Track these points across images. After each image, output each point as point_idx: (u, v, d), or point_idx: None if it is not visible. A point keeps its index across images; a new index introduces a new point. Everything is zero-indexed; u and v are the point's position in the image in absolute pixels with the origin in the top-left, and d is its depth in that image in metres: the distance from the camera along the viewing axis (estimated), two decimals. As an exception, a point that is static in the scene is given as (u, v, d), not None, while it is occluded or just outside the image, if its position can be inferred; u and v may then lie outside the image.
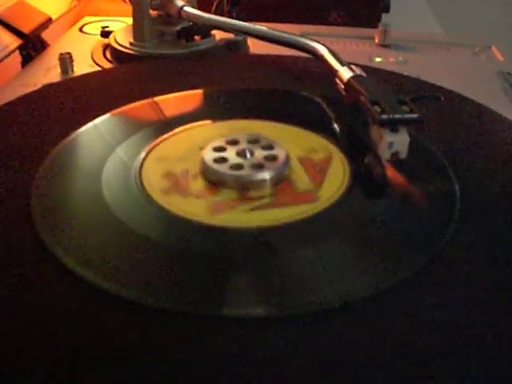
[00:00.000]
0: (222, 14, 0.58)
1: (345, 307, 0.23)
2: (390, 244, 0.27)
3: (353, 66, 0.37)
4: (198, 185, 0.31)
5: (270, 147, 0.32)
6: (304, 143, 0.34)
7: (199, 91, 0.42)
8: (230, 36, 0.54)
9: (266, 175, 0.30)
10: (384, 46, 0.58)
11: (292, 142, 0.34)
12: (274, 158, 0.31)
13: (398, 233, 0.28)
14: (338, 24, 0.67)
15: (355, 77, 0.35)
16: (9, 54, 0.50)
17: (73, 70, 0.49)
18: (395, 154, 0.31)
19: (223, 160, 0.31)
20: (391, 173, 0.31)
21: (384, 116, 0.30)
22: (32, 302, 0.24)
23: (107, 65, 0.51)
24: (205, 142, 0.33)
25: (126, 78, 0.45)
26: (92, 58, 0.52)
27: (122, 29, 0.55)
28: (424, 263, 0.26)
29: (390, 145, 0.30)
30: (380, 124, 0.30)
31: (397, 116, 0.30)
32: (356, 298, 0.24)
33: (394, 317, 0.23)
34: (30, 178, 0.31)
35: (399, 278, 0.25)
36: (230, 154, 0.32)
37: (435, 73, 0.50)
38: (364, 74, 0.36)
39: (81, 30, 0.60)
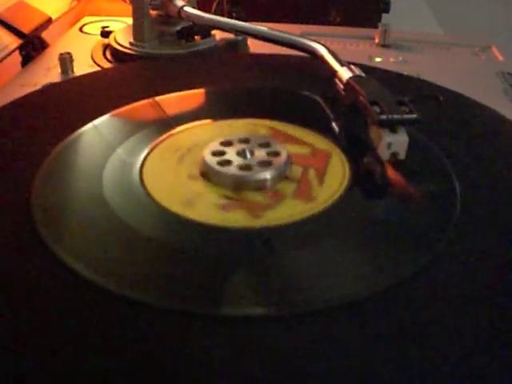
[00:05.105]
0: (222, 14, 0.59)
1: (345, 307, 0.23)
2: (390, 244, 0.27)
3: (352, 67, 0.37)
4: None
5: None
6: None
7: (199, 91, 0.42)
8: (230, 36, 0.54)
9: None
10: (384, 45, 0.58)
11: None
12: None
13: (398, 233, 0.28)
14: (338, 24, 0.67)
15: (354, 77, 0.35)
16: (9, 54, 0.50)
17: (73, 70, 0.49)
18: (394, 155, 0.31)
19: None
20: (391, 173, 0.31)
21: (383, 116, 0.30)
22: (32, 301, 0.24)
23: (107, 65, 0.51)
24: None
25: (126, 78, 0.45)
26: (92, 58, 0.52)
27: (121, 29, 0.55)
28: (424, 263, 0.26)
29: (389, 145, 0.30)
30: (379, 124, 0.30)
31: (396, 116, 0.30)
32: (356, 298, 0.24)
33: (394, 317, 0.23)
34: (31, 177, 0.31)
35: (399, 277, 0.25)
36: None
37: (435, 73, 0.50)
38: (363, 75, 0.36)
39: (81, 29, 0.60)
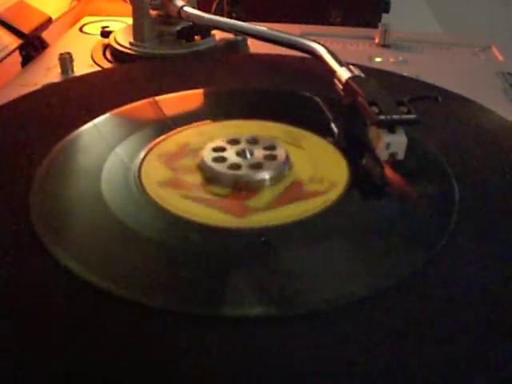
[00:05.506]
0: (221, 14, 0.59)
1: (344, 307, 0.23)
2: (389, 244, 0.27)
3: (351, 67, 0.37)
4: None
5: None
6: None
7: (199, 91, 0.42)
8: (230, 36, 0.54)
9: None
10: (384, 45, 0.58)
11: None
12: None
13: (397, 233, 0.28)
14: (338, 24, 0.67)
15: (353, 77, 0.35)
16: (9, 54, 0.50)
17: (73, 70, 0.49)
18: (393, 155, 0.31)
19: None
20: (390, 173, 0.31)
21: (381, 117, 0.30)
22: (30, 301, 0.24)
23: (107, 65, 0.51)
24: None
25: (126, 78, 0.45)
26: (92, 58, 0.52)
27: (121, 29, 0.55)
28: (423, 263, 0.26)
29: (388, 146, 0.30)
30: (377, 125, 0.31)
31: (394, 117, 0.30)
32: (355, 298, 0.24)
33: (394, 317, 0.23)
34: (30, 177, 0.31)
35: (399, 278, 0.25)
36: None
37: (435, 73, 0.50)
38: (362, 75, 0.36)
39: (81, 29, 0.60)
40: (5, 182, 0.31)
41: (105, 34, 0.55)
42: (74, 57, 0.50)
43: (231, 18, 0.58)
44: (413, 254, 0.26)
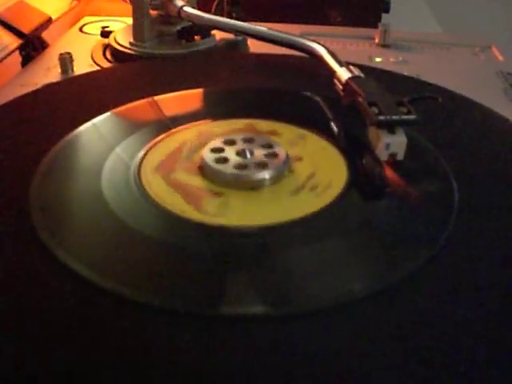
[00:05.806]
0: (221, 14, 0.59)
1: (344, 307, 0.23)
2: (389, 244, 0.27)
3: (351, 67, 0.37)
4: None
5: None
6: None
7: (199, 91, 0.42)
8: (230, 36, 0.54)
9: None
10: (384, 45, 0.58)
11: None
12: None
13: (397, 233, 0.28)
14: (338, 24, 0.67)
15: (353, 78, 0.35)
16: (9, 54, 0.50)
17: (73, 70, 0.49)
18: (393, 155, 0.31)
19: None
20: (390, 173, 0.31)
21: (381, 117, 0.30)
22: (29, 300, 0.24)
23: (107, 65, 0.51)
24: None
25: (126, 78, 0.45)
26: (92, 58, 0.52)
27: (121, 29, 0.55)
28: (423, 263, 0.26)
29: (388, 146, 0.30)
30: (377, 125, 0.31)
31: (394, 117, 0.30)
32: (355, 298, 0.24)
33: (394, 316, 0.23)
34: (30, 176, 0.31)
35: (398, 277, 0.25)
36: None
37: (435, 73, 0.50)
38: (362, 75, 0.36)
39: (81, 29, 0.61)
40: (5, 182, 0.31)
41: (105, 33, 0.55)
42: (74, 57, 0.50)
43: (231, 17, 0.58)
44: (413, 253, 0.26)
